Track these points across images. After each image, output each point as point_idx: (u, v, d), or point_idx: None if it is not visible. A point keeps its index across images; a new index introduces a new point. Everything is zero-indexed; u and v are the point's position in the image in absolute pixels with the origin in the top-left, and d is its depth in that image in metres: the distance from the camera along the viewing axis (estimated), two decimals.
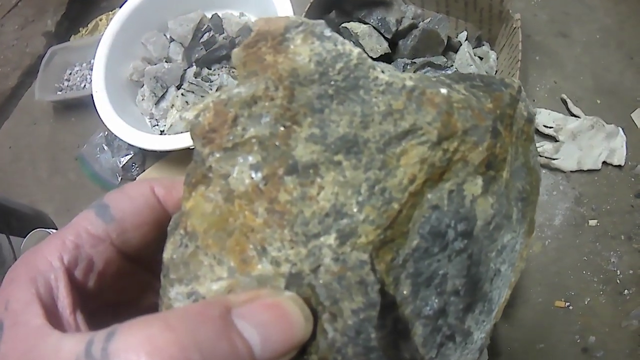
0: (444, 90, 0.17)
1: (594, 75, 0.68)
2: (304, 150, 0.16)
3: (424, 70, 0.53)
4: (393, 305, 0.16)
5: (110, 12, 0.76)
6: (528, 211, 0.20)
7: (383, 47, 0.56)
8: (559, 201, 0.61)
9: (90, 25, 0.76)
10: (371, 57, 0.57)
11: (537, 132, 0.63)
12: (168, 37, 0.67)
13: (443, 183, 0.17)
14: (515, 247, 0.19)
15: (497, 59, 0.62)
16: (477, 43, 0.63)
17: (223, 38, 0.64)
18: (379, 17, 0.56)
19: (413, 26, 0.58)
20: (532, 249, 0.59)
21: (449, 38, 0.60)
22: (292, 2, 0.60)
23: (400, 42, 0.58)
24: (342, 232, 0.16)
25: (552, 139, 0.63)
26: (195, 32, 0.65)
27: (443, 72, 0.54)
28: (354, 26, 0.56)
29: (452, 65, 0.60)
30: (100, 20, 0.75)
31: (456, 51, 0.61)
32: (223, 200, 0.17)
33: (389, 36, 0.56)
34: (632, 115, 0.66)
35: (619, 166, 0.62)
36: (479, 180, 0.18)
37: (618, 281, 0.58)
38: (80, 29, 0.77)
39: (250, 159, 0.17)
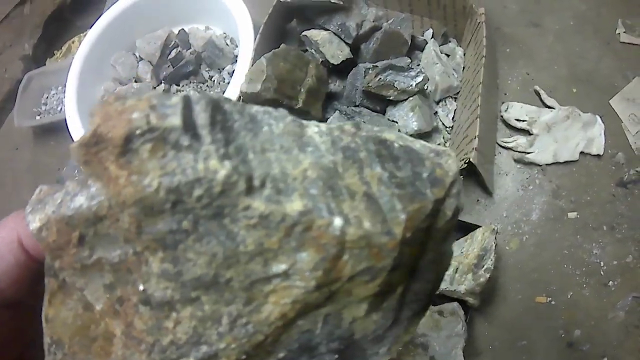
0: (338, 222, 0.14)
1: (569, 64, 0.66)
2: (157, 285, 0.15)
3: (385, 74, 0.53)
4: None
5: (81, 34, 0.77)
6: (420, 312, 0.17)
7: (344, 52, 0.56)
8: (535, 195, 0.60)
9: (64, 48, 0.77)
10: (332, 64, 0.56)
11: (510, 126, 0.62)
12: (137, 55, 0.67)
13: (319, 309, 0.15)
14: (397, 339, 0.17)
15: (464, 55, 0.61)
16: (444, 40, 0.62)
17: (190, 53, 0.64)
18: (338, 23, 0.56)
19: (375, 28, 0.57)
20: (510, 245, 0.58)
21: (413, 37, 0.60)
22: (253, 11, 0.60)
23: (363, 46, 0.58)
24: (201, 357, 0.15)
25: (526, 132, 0.62)
26: (163, 49, 0.65)
27: (405, 74, 0.53)
28: (313, 34, 0.56)
29: (418, 65, 0.59)
30: (73, 42, 0.76)
31: (422, 50, 0.60)
32: (82, 309, 0.16)
33: (349, 41, 0.56)
34: (610, 102, 0.64)
35: (598, 155, 0.61)
36: (364, 305, 0.15)
37: (602, 273, 0.57)
38: (55, 52, 0.78)
39: (103, 279, 0.15)
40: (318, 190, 0.14)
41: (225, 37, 0.65)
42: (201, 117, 0.14)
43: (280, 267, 0.14)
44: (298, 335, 0.15)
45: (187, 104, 0.14)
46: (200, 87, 0.62)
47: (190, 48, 0.65)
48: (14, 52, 0.80)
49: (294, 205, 0.14)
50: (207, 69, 0.63)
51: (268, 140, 0.14)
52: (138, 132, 0.13)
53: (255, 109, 0.15)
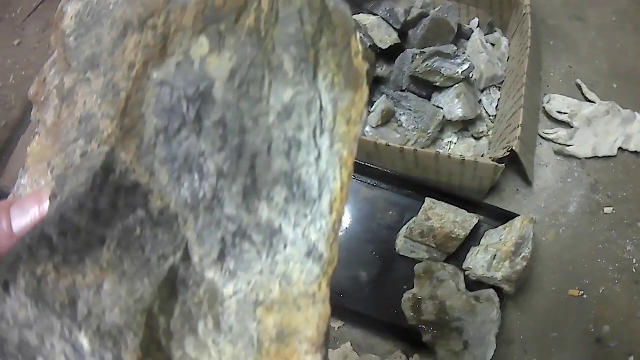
0: None
1: (610, 59, 0.66)
2: (68, 80, 0.20)
3: (432, 60, 0.53)
4: (136, 191, 0.16)
5: None
6: (328, 57, 0.16)
7: (392, 37, 0.56)
8: (573, 188, 0.60)
9: None
10: (380, 49, 0.57)
11: (551, 118, 0.62)
12: None
13: (168, 58, 0.17)
14: (314, 105, 0.15)
15: (509, 45, 0.61)
16: (489, 30, 0.63)
17: None
18: (387, 8, 0.56)
19: (423, 15, 0.58)
20: (547, 237, 0.59)
21: (460, 26, 0.60)
22: None
23: (410, 32, 0.58)
24: (88, 133, 0.18)
25: (567, 125, 0.62)
26: None
27: (452, 61, 0.54)
28: (362, 18, 0.56)
29: (464, 53, 0.60)
30: None
31: (468, 38, 0.61)
32: (45, 138, 0.20)
33: (397, 27, 0.56)
34: None
35: (636, 152, 0.61)
36: (203, 39, 0.16)
37: (634, 270, 0.57)
38: None
39: (51, 103, 0.20)
40: None
41: None
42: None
43: (121, 21, 0.18)
44: (158, 90, 0.16)
45: None
46: None
47: None
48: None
49: None
50: None
51: None
52: None
53: None
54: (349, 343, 0.56)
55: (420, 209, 0.52)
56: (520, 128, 0.51)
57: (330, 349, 0.56)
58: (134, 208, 0.15)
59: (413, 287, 0.53)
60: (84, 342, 0.13)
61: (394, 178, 0.54)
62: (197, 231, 0.15)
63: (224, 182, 0.15)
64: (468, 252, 0.55)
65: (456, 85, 0.55)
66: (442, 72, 0.54)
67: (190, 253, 0.15)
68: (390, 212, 0.55)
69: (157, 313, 0.14)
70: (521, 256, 0.52)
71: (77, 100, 0.19)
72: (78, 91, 0.19)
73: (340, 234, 0.59)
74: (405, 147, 0.49)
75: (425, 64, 0.53)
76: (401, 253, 0.54)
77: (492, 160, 0.51)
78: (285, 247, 0.15)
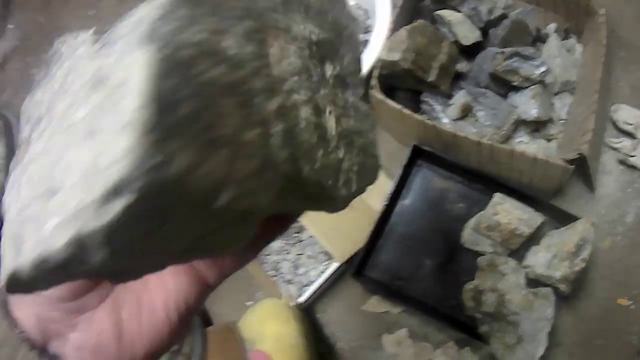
0: None
1: None
2: None
3: (512, 60, 0.55)
4: None
5: None
6: None
7: (475, 35, 0.58)
8: (633, 199, 0.61)
9: None
10: (462, 45, 0.58)
11: (617, 127, 0.63)
12: None
13: None
14: None
15: (583, 52, 0.62)
16: (565, 36, 0.64)
17: None
18: (471, 6, 0.58)
19: (503, 16, 0.59)
20: (603, 243, 0.60)
21: (538, 29, 0.61)
22: None
23: (491, 32, 0.59)
24: None
25: (631, 136, 0.63)
26: None
27: (530, 62, 0.55)
28: (447, 14, 0.57)
29: (540, 57, 0.61)
30: None
31: (544, 42, 0.62)
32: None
33: (480, 25, 0.58)
34: None
35: None
36: None
37: None
38: None
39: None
40: None
41: (359, 7, 0.67)
42: None
43: None
44: None
45: None
46: None
47: None
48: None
49: None
50: None
51: None
52: None
53: None
54: (405, 329, 0.58)
55: (489, 203, 0.54)
56: (591, 132, 0.52)
57: (386, 334, 0.58)
58: None
59: (474, 279, 0.54)
60: None
61: (466, 171, 0.56)
62: None
63: None
64: (528, 250, 0.56)
65: (532, 87, 0.56)
66: (520, 73, 0.55)
67: None
68: (459, 204, 0.57)
69: None
70: (581, 257, 0.53)
71: None
72: None
73: (411, 220, 0.58)
74: (482, 140, 0.51)
75: (505, 62, 0.54)
76: (466, 245, 0.56)
77: (563, 162, 0.52)
78: None
